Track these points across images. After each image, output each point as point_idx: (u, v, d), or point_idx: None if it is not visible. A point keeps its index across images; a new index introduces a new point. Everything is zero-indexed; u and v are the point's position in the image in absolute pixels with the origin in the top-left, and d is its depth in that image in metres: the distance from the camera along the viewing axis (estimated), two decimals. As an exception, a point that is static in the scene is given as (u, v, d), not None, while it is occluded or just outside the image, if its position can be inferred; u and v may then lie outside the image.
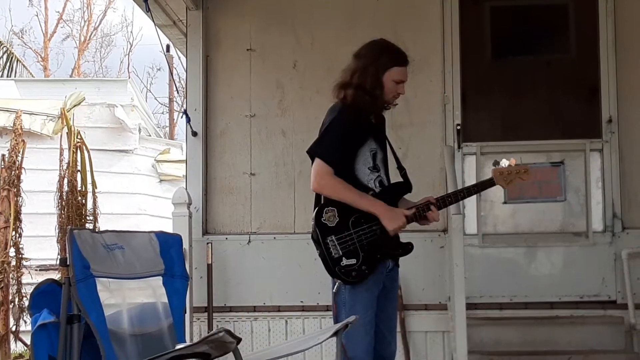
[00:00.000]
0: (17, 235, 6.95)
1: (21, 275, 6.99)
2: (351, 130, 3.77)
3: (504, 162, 3.97)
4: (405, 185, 3.95)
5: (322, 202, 3.77)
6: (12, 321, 6.96)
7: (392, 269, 3.86)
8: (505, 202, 5.90)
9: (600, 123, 5.83)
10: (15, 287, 6.92)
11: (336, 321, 3.65)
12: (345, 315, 3.53)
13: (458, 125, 5.87)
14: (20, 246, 6.97)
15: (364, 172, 3.80)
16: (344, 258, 3.68)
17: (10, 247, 6.84)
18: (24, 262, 7.03)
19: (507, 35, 6.26)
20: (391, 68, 3.83)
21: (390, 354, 3.89)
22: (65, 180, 7.39)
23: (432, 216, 3.84)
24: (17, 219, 6.93)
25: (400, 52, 3.90)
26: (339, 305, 3.74)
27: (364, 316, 3.64)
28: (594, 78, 5.90)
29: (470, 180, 5.78)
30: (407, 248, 3.87)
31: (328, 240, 3.69)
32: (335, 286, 3.74)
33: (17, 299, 6.87)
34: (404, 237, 3.94)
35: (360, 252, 3.69)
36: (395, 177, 3.97)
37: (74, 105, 8.58)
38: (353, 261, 3.68)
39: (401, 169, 3.99)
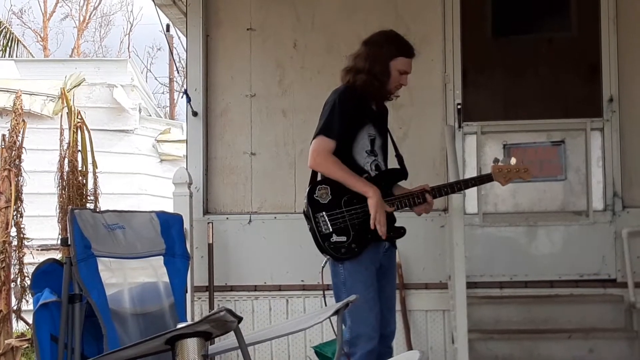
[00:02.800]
0: (19, 215, 6.95)
1: (23, 255, 7.00)
2: (350, 111, 3.83)
3: (505, 160, 4.04)
4: (401, 172, 4.03)
5: (317, 179, 3.85)
6: (14, 300, 6.98)
7: (388, 248, 3.90)
8: (505, 181, 5.89)
9: (601, 102, 5.82)
10: (18, 266, 6.93)
11: (337, 301, 3.67)
12: (346, 295, 3.54)
13: (459, 104, 5.86)
14: (22, 226, 6.98)
15: (362, 154, 3.86)
16: (334, 234, 3.73)
17: (12, 227, 6.84)
18: (26, 242, 7.04)
19: (508, 13, 6.22)
20: (397, 57, 3.91)
21: (390, 332, 3.92)
22: (66, 160, 7.39)
23: (421, 210, 3.91)
24: (19, 198, 6.93)
25: (408, 44, 3.98)
26: (338, 285, 3.78)
27: (366, 293, 3.67)
28: (595, 57, 5.88)
29: (471, 160, 5.79)
30: (400, 232, 3.91)
31: (318, 216, 3.74)
32: (324, 261, 3.78)
33: (19, 279, 6.89)
34: (405, 217, 3.96)
35: (351, 231, 3.74)
36: (394, 166, 4.01)
37: (74, 86, 8.54)
38: (343, 238, 3.73)
39: (399, 156, 4.06)
